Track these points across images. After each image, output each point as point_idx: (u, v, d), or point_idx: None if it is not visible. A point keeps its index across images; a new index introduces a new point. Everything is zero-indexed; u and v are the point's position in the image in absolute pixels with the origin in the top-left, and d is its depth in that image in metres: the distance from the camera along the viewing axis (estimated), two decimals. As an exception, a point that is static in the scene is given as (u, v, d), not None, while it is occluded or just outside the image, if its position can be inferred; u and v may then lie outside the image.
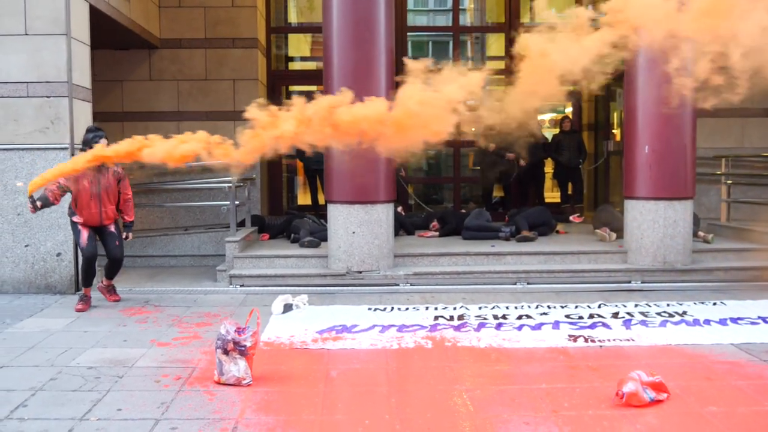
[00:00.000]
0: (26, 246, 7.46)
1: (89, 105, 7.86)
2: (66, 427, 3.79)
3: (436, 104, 4.59)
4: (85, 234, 6.68)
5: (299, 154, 11.36)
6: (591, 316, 6.27)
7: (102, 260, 7.01)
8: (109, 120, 10.42)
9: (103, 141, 6.60)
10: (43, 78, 7.37)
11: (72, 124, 7.41)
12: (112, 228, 6.85)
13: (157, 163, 5.29)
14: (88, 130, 6.76)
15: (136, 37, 9.67)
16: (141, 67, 10.62)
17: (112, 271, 7.00)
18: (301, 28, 12.98)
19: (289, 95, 12.64)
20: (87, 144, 6.61)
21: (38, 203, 6.34)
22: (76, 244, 6.93)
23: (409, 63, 4.65)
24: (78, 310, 6.56)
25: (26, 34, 7.33)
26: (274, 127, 4.78)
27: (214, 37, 10.61)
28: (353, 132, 4.85)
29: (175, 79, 10.64)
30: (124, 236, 6.98)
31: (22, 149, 7.41)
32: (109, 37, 9.43)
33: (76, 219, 6.70)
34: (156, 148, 5.21)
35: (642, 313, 6.36)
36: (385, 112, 4.70)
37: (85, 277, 6.76)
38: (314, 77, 11.68)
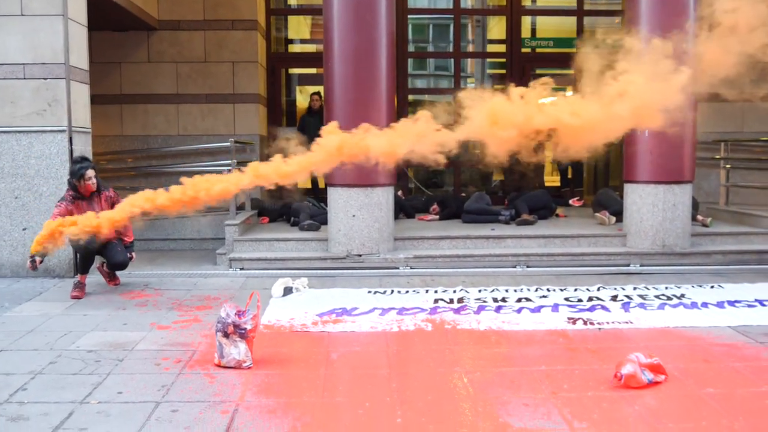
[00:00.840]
0: (24, 229, 7.46)
1: (87, 87, 7.82)
2: (66, 411, 3.80)
3: (647, 98, 4.43)
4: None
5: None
6: (590, 299, 6.28)
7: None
8: (108, 102, 10.40)
9: (92, 171, 6.51)
10: (40, 59, 7.33)
11: (69, 107, 7.38)
12: (113, 239, 6.80)
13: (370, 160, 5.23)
14: (74, 162, 6.65)
15: (134, 18, 9.61)
16: (139, 49, 10.56)
17: (113, 271, 7.01)
18: (300, 10, 12.91)
19: (288, 78, 12.61)
20: (73, 175, 6.50)
21: (38, 259, 6.24)
22: None
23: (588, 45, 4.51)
24: (73, 297, 6.48)
25: (22, 15, 7.28)
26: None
27: (214, 19, 10.55)
28: (542, 130, 4.74)
29: (174, 61, 10.59)
30: (129, 256, 6.87)
31: (19, 131, 7.38)
32: (106, 18, 9.38)
33: None
34: (375, 141, 5.06)
35: (640, 296, 6.37)
36: (592, 114, 4.53)
37: (82, 265, 6.69)
38: (314, 60, 11.63)
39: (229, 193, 5.74)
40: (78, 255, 6.76)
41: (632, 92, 4.52)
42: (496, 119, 4.81)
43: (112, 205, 6.62)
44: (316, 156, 5.46)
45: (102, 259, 6.96)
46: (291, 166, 5.53)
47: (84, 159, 6.69)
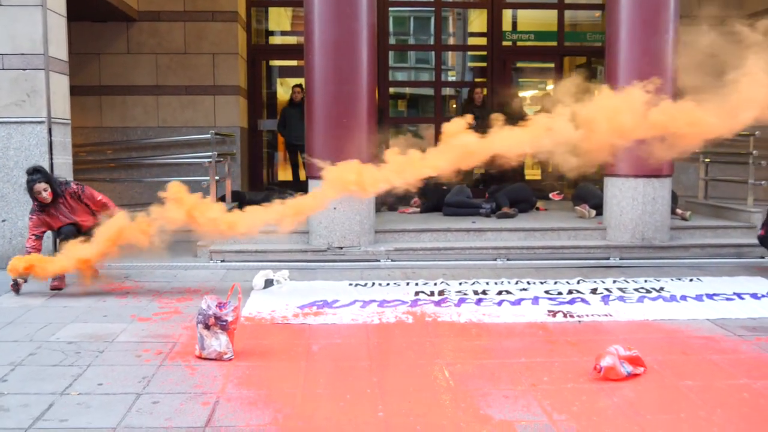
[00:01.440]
0: (3, 221, 7.38)
1: (66, 78, 7.74)
2: (47, 402, 3.78)
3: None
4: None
5: (280, 128, 11.31)
6: (570, 292, 6.32)
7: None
8: (87, 94, 10.30)
9: (42, 185, 6.26)
10: (18, 50, 7.24)
11: (49, 98, 7.31)
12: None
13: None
14: (27, 172, 6.38)
15: (113, 8, 9.52)
16: (119, 40, 10.47)
17: None
18: (281, 2, 12.84)
19: (269, 70, 12.56)
20: (26, 186, 6.32)
21: (20, 281, 6.26)
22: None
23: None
24: (53, 288, 6.42)
25: (0, 5, 7.19)
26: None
27: (194, 10, 10.48)
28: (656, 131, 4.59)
29: (153, 52, 10.51)
30: None
31: (-2, 122, 7.30)
32: (85, 8, 9.29)
33: None
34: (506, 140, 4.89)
35: (620, 289, 6.43)
36: (712, 120, 4.43)
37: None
38: (295, 51, 11.59)
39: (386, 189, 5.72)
40: (56, 246, 6.70)
41: (758, 95, 4.47)
42: (616, 125, 4.68)
43: (78, 199, 6.52)
44: (448, 156, 5.28)
45: None
46: (426, 167, 5.38)
47: (36, 171, 6.35)
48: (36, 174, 6.33)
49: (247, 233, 6.04)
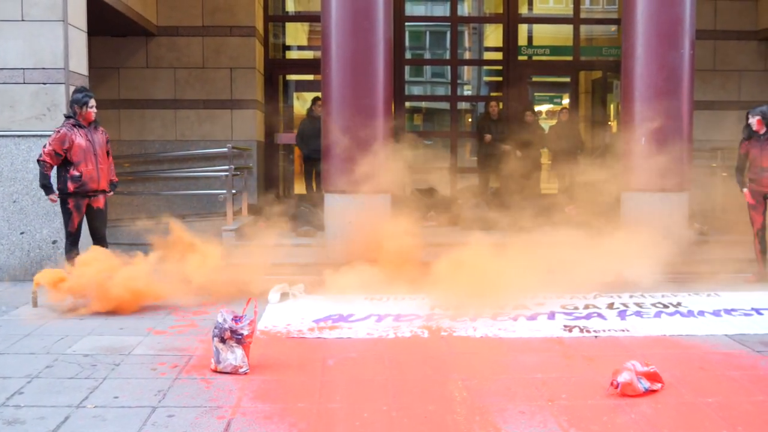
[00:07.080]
0: (22, 233, 7.45)
1: (86, 92, 7.82)
2: (62, 415, 3.79)
3: None
4: (76, 220, 6.60)
5: (298, 141, 11.36)
6: (586, 307, 6.29)
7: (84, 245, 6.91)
8: (106, 108, 10.38)
9: (93, 100, 6.55)
10: (40, 64, 7.34)
11: (68, 112, 7.39)
12: (102, 205, 6.76)
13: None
14: (77, 91, 6.65)
15: (133, 23, 9.63)
16: (138, 55, 10.58)
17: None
18: (298, 17, 12.96)
19: (286, 84, 12.63)
20: (77, 103, 6.52)
21: (53, 194, 6.51)
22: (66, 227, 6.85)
23: None
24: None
25: (23, 20, 7.30)
26: None
27: (212, 25, 10.57)
28: None
29: (172, 66, 10.60)
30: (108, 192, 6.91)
31: (18, 136, 7.38)
32: (105, 23, 9.40)
33: (71, 186, 6.52)
34: None
35: (637, 304, 6.38)
36: None
37: (68, 259, 6.62)
38: (311, 66, 11.68)
39: None
40: (65, 248, 6.74)
41: None
42: None
43: (107, 141, 6.78)
44: None
45: None
46: None
47: (86, 89, 6.74)
48: (89, 91, 6.69)
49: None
